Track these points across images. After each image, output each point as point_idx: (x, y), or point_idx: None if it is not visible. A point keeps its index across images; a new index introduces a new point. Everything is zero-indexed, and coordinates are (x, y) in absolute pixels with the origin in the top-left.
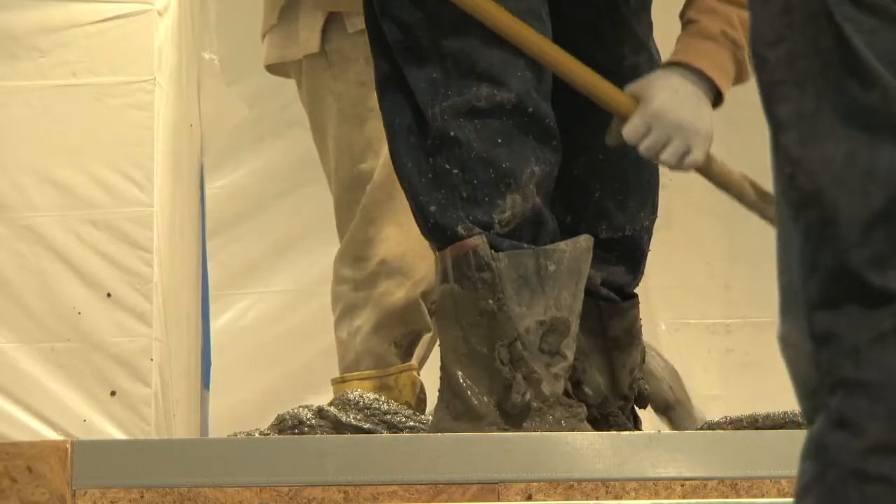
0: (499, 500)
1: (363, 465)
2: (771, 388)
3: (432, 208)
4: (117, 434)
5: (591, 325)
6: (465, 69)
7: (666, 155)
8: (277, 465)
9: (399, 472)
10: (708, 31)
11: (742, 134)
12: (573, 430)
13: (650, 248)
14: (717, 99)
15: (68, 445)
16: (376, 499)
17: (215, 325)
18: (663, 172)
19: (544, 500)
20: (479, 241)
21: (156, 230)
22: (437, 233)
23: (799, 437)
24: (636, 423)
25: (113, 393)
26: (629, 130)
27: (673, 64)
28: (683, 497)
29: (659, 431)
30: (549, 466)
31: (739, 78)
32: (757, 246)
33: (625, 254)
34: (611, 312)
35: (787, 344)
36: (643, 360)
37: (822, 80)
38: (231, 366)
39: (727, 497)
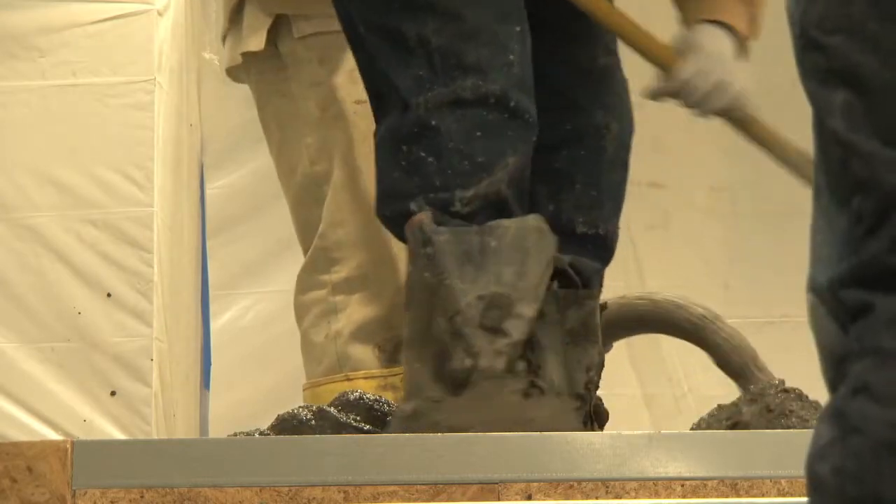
0: (499, 500)
1: (363, 465)
2: None
3: (388, 181)
4: (117, 434)
5: (549, 315)
6: (453, 63)
7: (728, 89)
8: (277, 465)
9: (399, 472)
10: None
11: (737, 137)
12: (507, 403)
13: (649, 249)
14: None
15: (68, 445)
16: (376, 499)
17: (215, 325)
18: (661, 173)
19: (544, 500)
20: (423, 216)
21: (156, 230)
22: (394, 215)
23: (799, 436)
24: (593, 429)
25: (113, 393)
26: (682, 70)
27: (696, 22)
28: (683, 497)
29: (659, 431)
30: (549, 466)
31: (753, 33)
32: (757, 246)
33: (596, 252)
34: (568, 301)
35: (815, 313)
36: (602, 363)
37: (879, 78)
38: (231, 366)
39: (727, 497)
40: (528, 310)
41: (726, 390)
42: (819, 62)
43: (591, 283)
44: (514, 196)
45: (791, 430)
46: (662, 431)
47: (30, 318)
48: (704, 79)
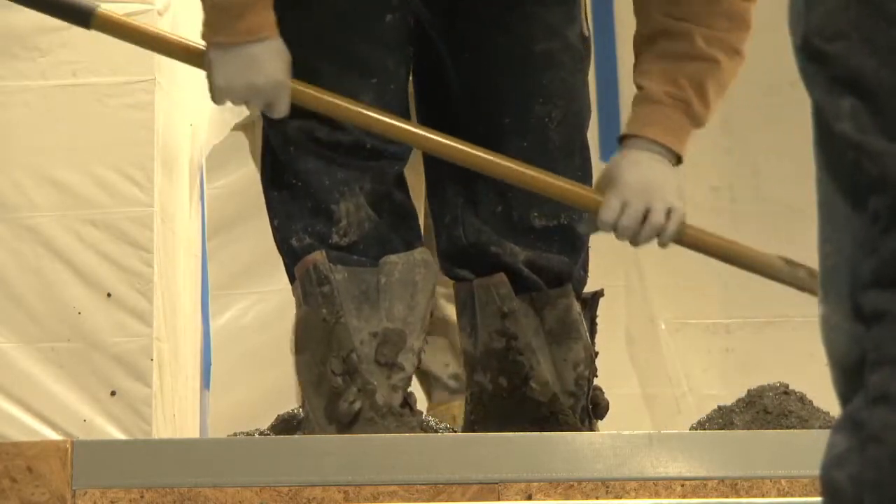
0: (499, 499)
1: (363, 465)
2: None
3: (276, 221)
4: (117, 434)
5: (530, 319)
6: (309, 112)
7: (653, 220)
8: (277, 465)
9: (399, 472)
10: (652, 95)
11: (737, 136)
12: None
13: (649, 248)
14: (677, 159)
15: (68, 445)
16: (376, 499)
17: (215, 325)
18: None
19: (544, 500)
20: (318, 255)
21: (156, 230)
22: (282, 253)
23: (799, 436)
24: (591, 425)
25: (113, 393)
26: (606, 211)
27: (626, 137)
28: (683, 497)
29: (659, 431)
30: (549, 466)
31: (696, 127)
32: (757, 246)
33: (564, 242)
34: (542, 302)
35: (827, 325)
36: (590, 358)
37: (879, 77)
38: (231, 366)
39: (727, 497)
40: (417, 342)
41: (726, 390)
42: (823, 70)
43: (562, 278)
44: (392, 227)
45: (791, 431)
46: (662, 431)
47: (30, 318)
48: (629, 215)
